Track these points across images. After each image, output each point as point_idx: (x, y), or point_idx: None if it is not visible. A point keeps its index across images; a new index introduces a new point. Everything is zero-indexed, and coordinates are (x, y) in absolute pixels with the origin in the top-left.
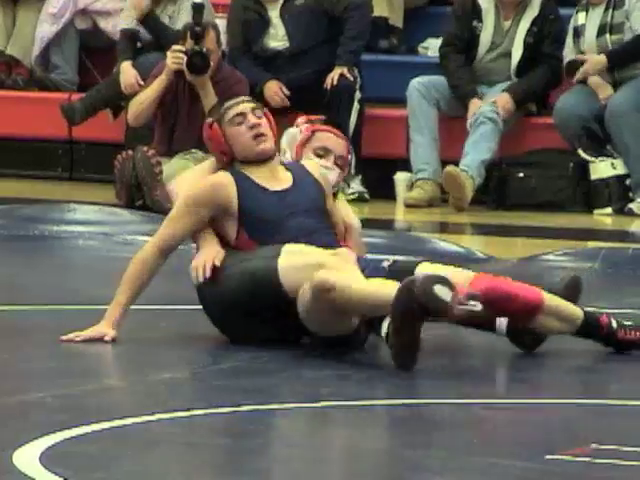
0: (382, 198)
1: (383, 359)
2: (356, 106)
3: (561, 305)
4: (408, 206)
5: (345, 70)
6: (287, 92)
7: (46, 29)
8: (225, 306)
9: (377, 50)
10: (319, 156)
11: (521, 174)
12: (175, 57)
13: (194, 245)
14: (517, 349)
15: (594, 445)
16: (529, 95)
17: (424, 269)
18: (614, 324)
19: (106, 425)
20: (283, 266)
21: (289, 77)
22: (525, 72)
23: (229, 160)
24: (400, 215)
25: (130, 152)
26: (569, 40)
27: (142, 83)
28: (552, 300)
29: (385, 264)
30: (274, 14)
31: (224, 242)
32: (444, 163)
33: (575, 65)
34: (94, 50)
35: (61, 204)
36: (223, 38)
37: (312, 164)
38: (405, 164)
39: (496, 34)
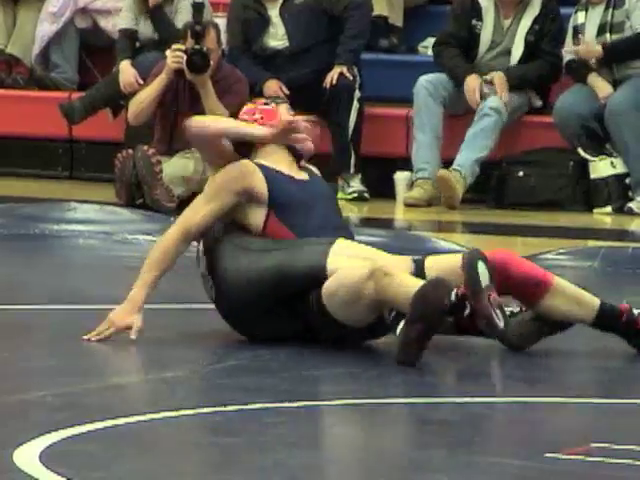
0: (382, 197)
1: (383, 359)
2: (356, 105)
3: (574, 290)
4: (408, 205)
5: (345, 69)
6: (287, 91)
7: (46, 28)
8: (249, 294)
9: (377, 49)
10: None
11: (521, 173)
12: (175, 56)
13: (194, 244)
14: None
15: (593, 444)
16: (524, 82)
17: (429, 262)
18: (634, 311)
19: (107, 424)
20: (335, 253)
21: (289, 76)
22: None
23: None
24: (400, 214)
25: (130, 151)
26: (569, 39)
27: (141, 82)
28: (564, 284)
29: None
30: (274, 13)
31: (246, 230)
32: (448, 162)
33: (575, 64)
34: (94, 49)
35: (61, 203)
36: (223, 37)
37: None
38: (405, 163)
39: (496, 33)
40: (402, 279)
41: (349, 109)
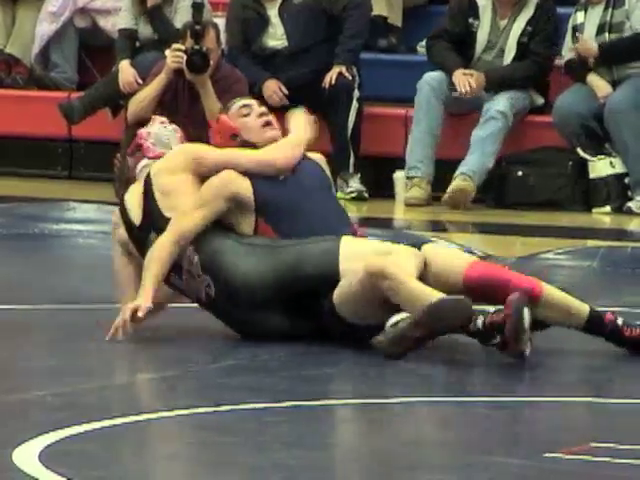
0: (381, 197)
1: (383, 359)
2: (355, 105)
3: (563, 299)
4: (409, 205)
5: (344, 69)
6: (286, 91)
7: (46, 28)
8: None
9: (376, 49)
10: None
11: (520, 172)
12: (175, 56)
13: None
14: None
15: (593, 443)
16: (505, 80)
17: (428, 250)
18: (619, 322)
19: (106, 423)
20: (346, 247)
21: (288, 76)
22: None
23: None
24: (399, 214)
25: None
26: (568, 39)
27: (140, 82)
28: (553, 292)
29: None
30: (273, 13)
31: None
32: (447, 162)
33: (574, 64)
34: (93, 49)
35: (61, 203)
36: (222, 37)
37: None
38: (404, 163)
39: (492, 32)
40: (414, 287)
41: (348, 109)
